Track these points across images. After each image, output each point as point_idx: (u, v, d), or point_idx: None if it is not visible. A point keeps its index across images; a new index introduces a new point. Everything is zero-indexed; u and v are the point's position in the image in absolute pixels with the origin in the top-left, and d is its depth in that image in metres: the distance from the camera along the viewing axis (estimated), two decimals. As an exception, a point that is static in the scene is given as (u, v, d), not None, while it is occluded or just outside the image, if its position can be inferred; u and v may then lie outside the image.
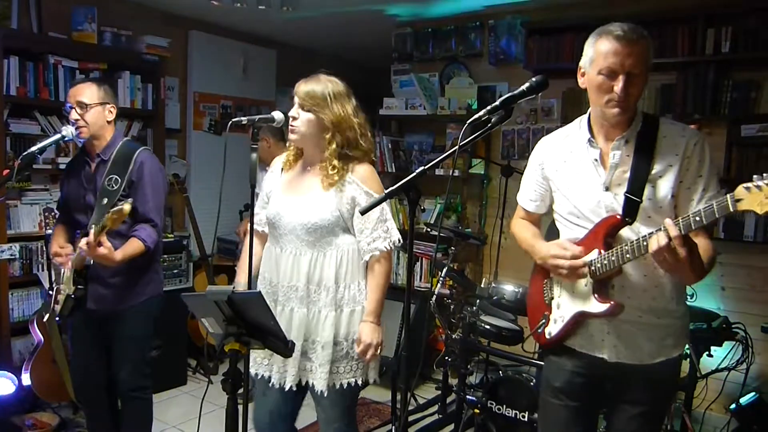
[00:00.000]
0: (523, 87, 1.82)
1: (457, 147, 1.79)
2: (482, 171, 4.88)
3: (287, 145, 2.49)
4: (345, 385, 2.32)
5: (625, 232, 1.90)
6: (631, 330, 1.95)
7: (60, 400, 3.83)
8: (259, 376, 2.41)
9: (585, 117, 2.04)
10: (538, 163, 2.16)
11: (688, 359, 3.20)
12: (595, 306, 1.93)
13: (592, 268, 1.91)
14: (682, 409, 3.32)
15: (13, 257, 3.99)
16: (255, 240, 2.46)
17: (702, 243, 1.81)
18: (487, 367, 3.76)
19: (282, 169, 2.50)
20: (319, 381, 2.30)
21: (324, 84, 2.31)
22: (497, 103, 1.80)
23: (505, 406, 3.32)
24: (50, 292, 2.94)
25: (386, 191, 1.88)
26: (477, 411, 3.36)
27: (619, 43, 1.80)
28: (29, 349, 3.91)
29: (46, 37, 4.23)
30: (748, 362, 3.37)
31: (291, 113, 2.33)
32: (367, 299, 2.34)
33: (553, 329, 2.09)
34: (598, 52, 1.85)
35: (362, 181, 2.31)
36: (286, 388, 2.33)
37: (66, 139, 2.83)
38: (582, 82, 1.95)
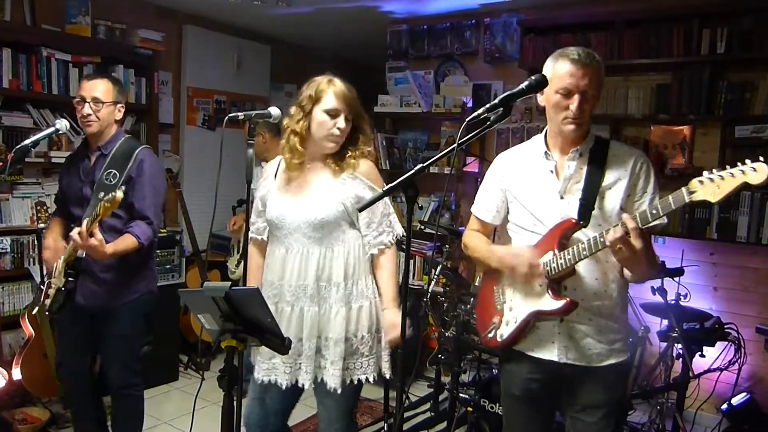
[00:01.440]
0: (523, 85, 1.85)
1: (456, 144, 1.79)
2: (477, 169, 4.88)
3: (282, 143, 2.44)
4: (356, 382, 2.33)
5: (578, 236, 2.00)
6: (581, 331, 2.04)
7: (50, 395, 3.81)
8: (259, 381, 2.39)
9: (542, 134, 2.17)
10: (500, 175, 2.26)
11: (681, 359, 3.22)
12: (550, 303, 2.00)
13: (548, 268, 2.00)
14: (674, 409, 3.33)
15: (4, 251, 3.97)
16: (254, 250, 2.50)
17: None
18: (480, 365, 3.77)
19: (276, 172, 2.45)
20: (332, 378, 2.28)
21: (352, 90, 2.34)
22: (497, 101, 1.81)
23: (497, 405, 3.32)
24: (41, 287, 2.92)
25: (385, 188, 1.88)
26: (470, 409, 3.36)
27: (574, 66, 1.95)
28: (20, 343, 3.89)
29: (40, 29, 4.19)
30: (740, 363, 3.39)
31: (340, 126, 2.28)
32: (384, 289, 2.37)
33: (505, 331, 2.14)
34: (555, 74, 1.98)
35: (366, 176, 2.34)
36: (306, 387, 2.32)
37: (59, 132, 2.81)
38: (541, 100, 2.07)
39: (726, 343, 3.43)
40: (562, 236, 1.99)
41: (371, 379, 2.35)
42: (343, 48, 6.59)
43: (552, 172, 2.08)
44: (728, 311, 3.87)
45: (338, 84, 2.31)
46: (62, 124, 2.83)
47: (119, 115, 2.89)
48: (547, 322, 2.06)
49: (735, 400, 3.64)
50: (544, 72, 2.01)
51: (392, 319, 2.32)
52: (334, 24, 5.49)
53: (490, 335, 2.19)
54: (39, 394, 3.78)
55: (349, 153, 2.33)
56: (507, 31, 4.76)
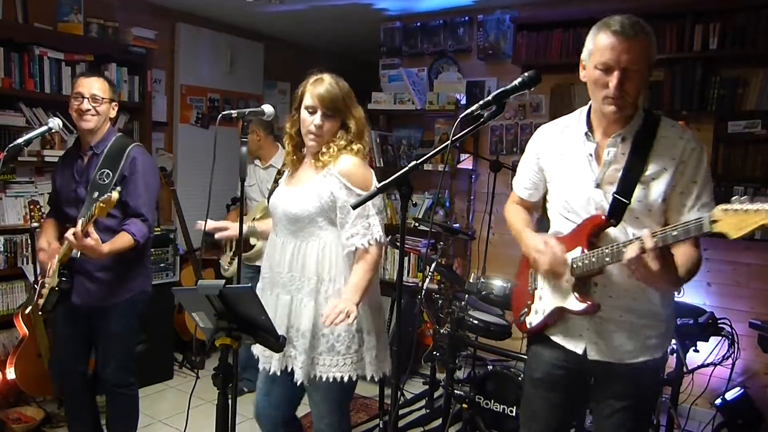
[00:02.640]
0: (516, 82, 1.81)
1: (449, 141, 1.79)
2: (471, 166, 4.89)
3: (285, 144, 2.47)
4: (331, 379, 2.28)
5: (613, 232, 1.88)
6: (611, 328, 1.93)
7: (45, 394, 3.80)
8: (263, 369, 2.41)
9: (585, 109, 2.00)
10: (535, 152, 2.14)
11: (675, 354, 3.23)
12: (573, 304, 1.92)
13: (574, 265, 1.90)
14: (669, 404, 3.35)
15: (-4, 250, 3.95)
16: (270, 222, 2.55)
17: (686, 250, 1.81)
18: (475, 361, 3.78)
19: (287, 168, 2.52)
20: (298, 370, 2.29)
21: (337, 86, 2.29)
22: (490, 98, 1.80)
23: (492, 401, 3.33)
24: (35, 286, 2.91)
25: (378, 186, 1.88)
26: (465, 406, 3.37)
27: (616, 38, 1.77)
28: (13, 342, 3.87)
29: (32, 28, 4.17)
30: (733, 357, 3.40)
31: (316, 122, 2.26)
32: (349, 282, 2.28)
33: (533, 320, 2.09)
34: (596, 46, 1.82)
35: (344, 174, 2.26)
36: (274, 373, 2.34)
37: (52, 131, 2.80)
38: (582, 75, 1.92)
39: (719, 338, 3.43)
40: (591, 234, 1.88)
41: (345, 378, 2.29)
42: (337, 45, 6.58)
43: (591, 156, 1.92)
44: (722, 306, 3.89)
45: (322, 81, 2.28)
46: (55, 122, 2.82)
47: (113, 114, 2.90)
48: (575, 316, 1.96)
49: (729, 395, 3.65)
50: (585, 43, 1.88)
51: (341, 299, 2.19)
52: (328, 21, 5.48)
53: (521, 320, 2.15)
54: (33, 394, 3.77)
55: (323, 150, 2.30)
56: (500, 28, 4.76)
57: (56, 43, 4.19)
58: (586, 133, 1.95)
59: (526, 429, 2.20)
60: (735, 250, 3.92)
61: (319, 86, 2.27)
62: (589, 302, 1.88)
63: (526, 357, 2.29)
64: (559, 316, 2.01)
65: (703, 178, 1.83)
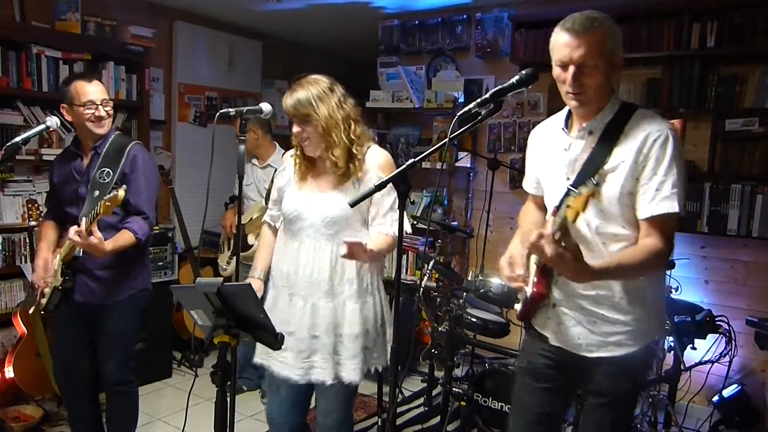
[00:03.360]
0: (513, 80, 1.84)
1: (447, 139, 1.79)
2: (469, 164, 4.89)
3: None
4: (372, 371, 2.39)
5: (580, 225, 1.86)
6: (572, 319, 1.98)
7: (43, 393, 3.80)
8: (271, 372, 2.41)
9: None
10: (530, 150, 2.21)
11: (672, 352, 3.24)
12: (528, 290, 2.00)
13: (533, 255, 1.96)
14: (666, 401, 3.36)
15: (-5, 249, 3.95)
16: (268, 231, 2.60)
17: (643, 244, 1.81)
18: (473, 359, 3.78)
19: (294, 168, 2.49)
20: (351, 372, 2.32)
21: (305, 88, 2.30)
22: (487, 95, 1.81)
23: (491, 399, 3.34)
24: (35, 286, 2.92)
25: (376, 183, 1.88)
26: (463, 403, 3.37)
27: (568, 35, 1.82)
28: (12, 341, 3.87)
29: (29, 26, 4.16)
30: (731, 355, 3.41)
31: (295, 132, 2.32)
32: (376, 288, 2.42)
33: (517, 306, 2.15)
34: (554, 45, 1.89)
35: (380, 168, 2.34)
36: (328, 384, 2.32)
37: (50, 129, 2.81)
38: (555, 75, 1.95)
39: (717, 335, 3.44)
40: None
41: (372, 371, 2.40)
42: (335, 44, 6.58)
43: (566, 150, 1.97)
44: (719, 304, 3.89)
45: (290, 92, 2.33)
46: (53, 121, 2.82)
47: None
48: (543, 305, 2.03)
49: (726, 392, 3.67)
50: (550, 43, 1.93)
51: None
52: (326, 20, 5.47)
53: (515, 307, 2.19)
54: (32, 392, 3.76)
55: (332, 156, 2.32)
56: (498, 26, 4.76)
57: (54, 42, 4.19)
58: (563, 129, 2.01)
59: (511, 416, 2.26)
60: (732, 247, 3.92)
61: (286, 99, 2.32)
62: (534, 288, 1.95)
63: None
64: (534, 304, 2.06)
65: (665, 171, 1.79)
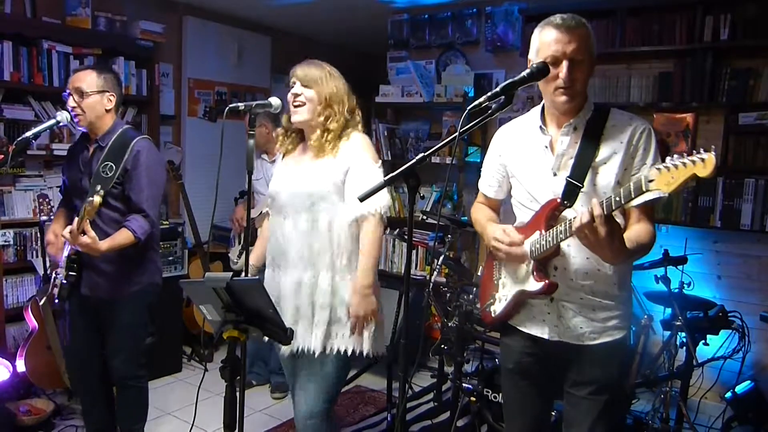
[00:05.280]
0: (524, 73, 1.86)
1: (457, 134, 1.78)
2: (478, 159, 4.87)
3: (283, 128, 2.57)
4: (335, 350, 2.38)
5: (570, 215, 1.91)
6: (571, 311, 2.01)
7: (54, 386, 3.82)
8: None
9: (539, 107, 2.10)
10: (497, 150, 2.23)
11: (685, 348, 3.21)
12: (532, 285, 1.99)
13: (532, 248, 1.98)
14: (678, 398, 3.33)
15: (6, 243, 3.97)
16: (267, 223, 2.66)
17: (641, 228, 1.92)
18: (483, 355, 3.77)
19: (283, 156, 2.60)
20: (314, 341, 2.37)
21: (319, 65, 2.45)
22: (498, 89, 1.82)
23: (500, 395, 3.32)
24: (50, 276, 2.94)
25: (386, 178, 1.87)
26: (473, 399, 3.36)
27: (559, 31, 1.88)
28: (23, 335, 3.90)
29: (40, 22, 4.18)
30: (744, 351, 3.38)
31: (294, 91, 2.40)
32: (358, 270, 2.39)
33: (498, 307, 2.16)
34: (542, 42, 1.92)
35: (358, 148, 2.40)
36: (317, 354, 2.37)
37: (61, 124, 2.82)
38: None
39: (730, 331, 3.42)
40: (549, 216, 1.96)
41: (349, 351, 2.39)
42: (344, 38, 6.57)
43: (547, 147, 2.02)
44: (732, 299, 3.86)
45: (299, 65, 2.45)
46: (63, 116, 2.83)
47: (109, 105, 2.85)
48: (539, 300, 2.04)
49: (739, 389, 3.63)
50: (531, 43, 1.98)
51: (355, 306, 2.36)
52: (335, 14, 5.46)
53: (487, 310, 2.22)
54: (43, 386, 3.79)
55: (323, 138, 2.40)
56: (508, 20, 4.73)
57: (64, 37, 4.21)
58: (540, 127, 2.05)
59: (508, 421, 2.29)
60: (746, 242, 3.89)
61: (297, 68, 2.44)
62: (545, 281, 1.95)
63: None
64: (521, 302, 2.09)
65: (652, 160, 1.92)
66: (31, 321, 3.66)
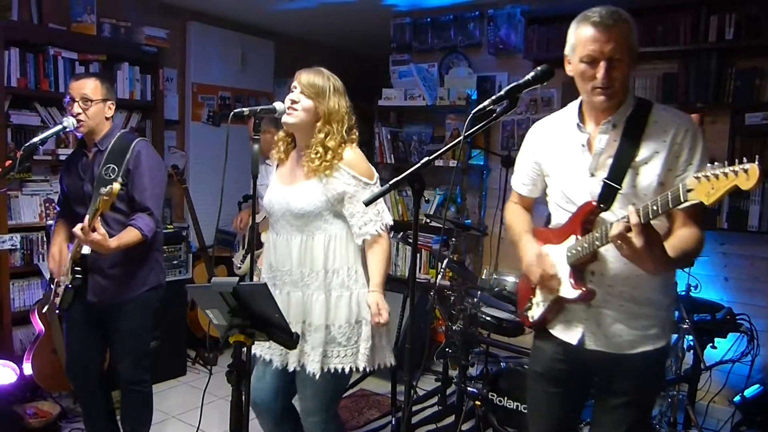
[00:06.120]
0: (529, 76, 1.82)
1: (462, 137, 1.78)
2: (482, 162, 4.87)
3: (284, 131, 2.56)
4: (332, 370, 2.35)
5: (609, 218, 1.85)
6: (610, 318, 1.93)
7: (61, 389, 3.84)
8: (259, 357, 2.47)
9: (577, 102, 2.02)
10: (531, 147, 2.17)
11: (692, 351, 3.19)
12: (568, 291, 1.93)
13: (568, 253, 1.92)
14: (686, 402, 3.31)
15: (14, 247, 3.98)
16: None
17: (685, 233, 1.81)
18: (488, 358, 3.76)
19: (277, 163, 2.61)
20: (311, 363, 2.34)
21: (325, 77, 2.40)
22: (502, 92, 1.80)
23: (505, 398, 3.31)
24: (51, 285, 2.94)
25: (390, 182, 1.87)
26: (478, 403, 3.35)
27: (596, 30, 1.79)
28: (30, 338, 3.91)
29: (46, 28, 4.20)
30: (753, 354, 3.36)
31: (292, 97, 2.37)
32: (371, 275, 2.40)
33: (535, 313, 2.11)
34: (578, 40, 1.84)
35: (349, 166, 2.36)
36: (290, 370, 2.38)
37: (67, 129, 2.83)
38: (569, 70, 1.93)
39: (738, 334, 3.39)
40: (584, 220, 1.89)
41: (347, 370, 2.37)
42: (347, 42, 6.57)
43: (584, 146, 1.93)
44: (740, 302, 3.82)
45: (304, 71, 2.41)
46: (69, 121, 2.84)
47: (110, 113, 2.89)
48: (576, 305, 1.96)
49: (748, 392, 3.59)
50: (567, 38, 1.89)
51: (375, 300, 2.35)
52: (337, 18, 5.47)
53: (525, 314, 2.17)
54: (49, 389, 3.80)
55: (313, 154, 2.35)
56: (511, 22, 4.73)
57: (70, 44, 4.23)
58: (577, 125, 1.97)
59: (532, 424, 2.23)
60: (753, 244, 3.86)
61: (302, 73, 2.40)
62: (582, 288, 1.88)
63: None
64: (558, 307, 2.02)
65: (699, 161, 1.81)
66: (38, 324, 3.68)
